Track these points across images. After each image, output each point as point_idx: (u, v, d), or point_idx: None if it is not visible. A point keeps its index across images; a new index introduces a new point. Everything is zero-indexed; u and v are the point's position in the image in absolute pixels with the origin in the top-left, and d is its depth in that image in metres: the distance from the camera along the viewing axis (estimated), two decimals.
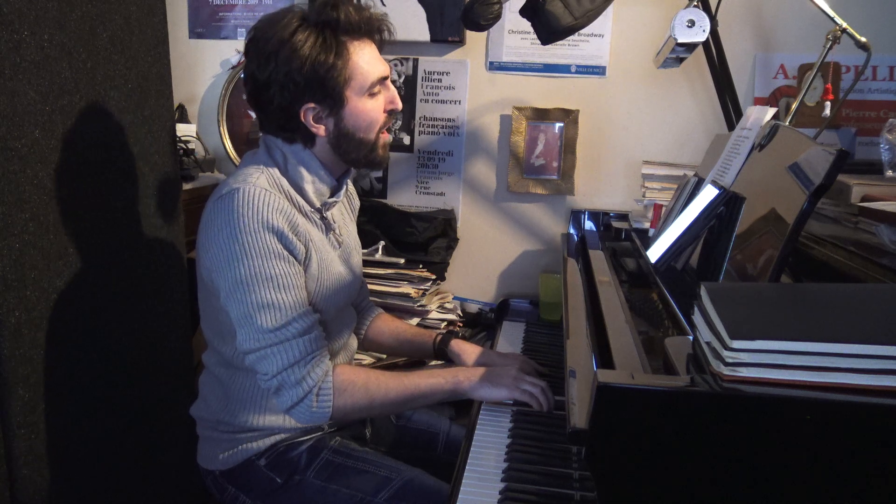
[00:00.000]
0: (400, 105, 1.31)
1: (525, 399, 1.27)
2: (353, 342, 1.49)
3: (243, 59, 2.25)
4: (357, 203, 1.53)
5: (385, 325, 1.57)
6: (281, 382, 1.18)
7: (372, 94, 1.26)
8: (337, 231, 1.35)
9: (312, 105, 1.22)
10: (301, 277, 1.23)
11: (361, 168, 1.41)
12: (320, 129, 1.25)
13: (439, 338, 1.51)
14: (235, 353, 1.26)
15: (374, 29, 1.26)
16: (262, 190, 1.19)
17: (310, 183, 1.27)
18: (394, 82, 2.20)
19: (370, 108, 1.26)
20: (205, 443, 1.36)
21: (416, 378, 1.28)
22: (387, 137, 1.31)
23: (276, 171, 1.25)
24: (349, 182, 1.43)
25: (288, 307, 1.18)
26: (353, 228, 1.47)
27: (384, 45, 1.30)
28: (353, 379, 1.23)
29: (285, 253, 1.19)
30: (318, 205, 1.29)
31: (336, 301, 1.33)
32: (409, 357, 1.85)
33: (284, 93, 1.21)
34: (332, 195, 1.33)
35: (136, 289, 1.55)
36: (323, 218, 1.31)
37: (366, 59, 1.24)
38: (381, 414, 1.46)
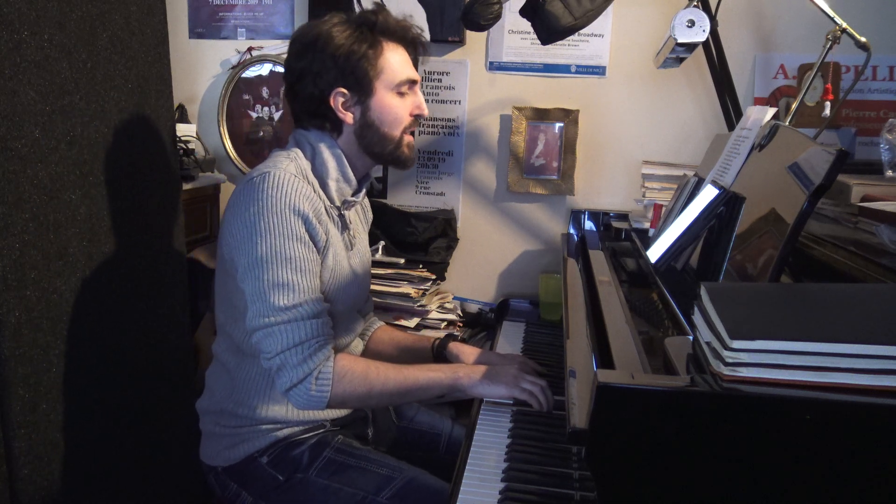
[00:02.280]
0: (426, 111, 1.37)
1: (524, 398, 1.27)
2: (358, 347, 1.50)
3: (244, 58, 2.26)
4: (370, 216, 1.56)
5: (386, 335, 1.59)
6: (283, 362, 1.19)
7: (400, 94, 1.32)
8: (351, 233, 1.39)
9: (343, 90, 1.28)
10: (317, 265, 1.26)
11: (388, 164, 1.48)
12: (347, 116, 1.30)
13: (437, 342, 1.52)
14: (246, 334, 1.27)
15: (408, 37, 1.34)
16: (292, 176, 1.23)
17: (333, 180, 1.32)
18: None
19: (396, 105, 1.32)
20: (207, 438, 1.37)
21: (416, 371, 1.29)
22: (410, 139, 1.37)
23: (304, 162, 1.29)
24: (365, 195, 1.48)
25: (302, 289, 1.20)
26: (365, 238, 1.50)
27: (418, 63, 1.37)
28: (352, 367, 1.24)
29: (306, 238, 1.23)
30: (338, 202, 1.33)
31: (345, 299, 1.35)
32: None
33: (318, 80, 1.28)
34: (352, 195, 1.37)
35: (136, 289, 1.55)
36: (341, 215, 1.35)
37: (397, 60, 1.31)
38: (379, 405, 1.47)
